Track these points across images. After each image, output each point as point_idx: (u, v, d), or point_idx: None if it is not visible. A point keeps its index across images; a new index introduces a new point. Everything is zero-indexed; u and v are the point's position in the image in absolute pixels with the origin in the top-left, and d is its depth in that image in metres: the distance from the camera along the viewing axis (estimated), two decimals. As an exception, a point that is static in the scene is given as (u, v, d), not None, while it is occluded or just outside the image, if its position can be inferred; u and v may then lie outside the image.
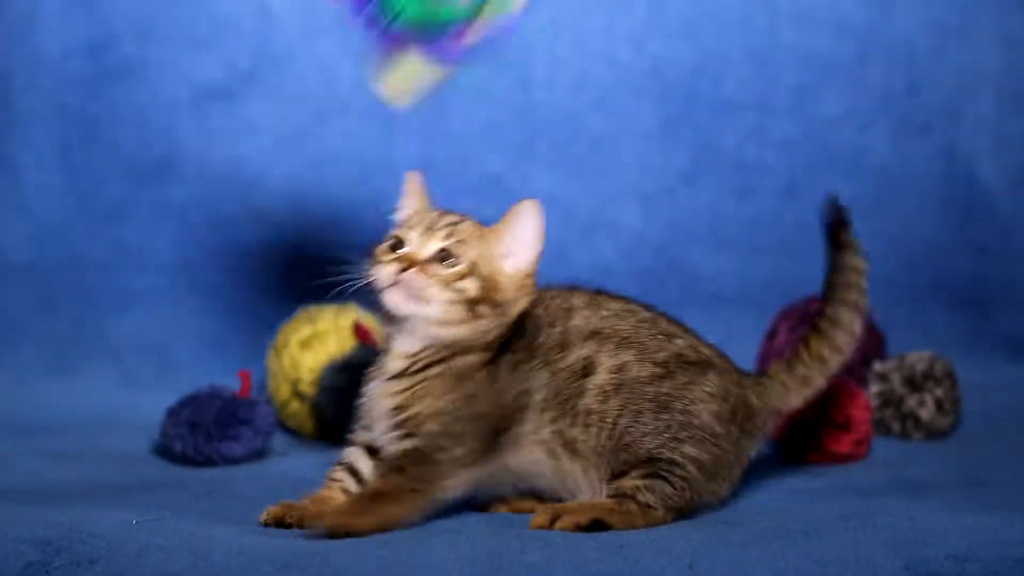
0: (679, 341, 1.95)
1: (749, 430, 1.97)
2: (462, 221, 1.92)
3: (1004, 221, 3.22)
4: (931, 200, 3.22)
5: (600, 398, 1.90)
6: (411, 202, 1.99)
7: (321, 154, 3.08)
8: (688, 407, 1.91)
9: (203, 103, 3.04)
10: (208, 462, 2.35)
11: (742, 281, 3.15)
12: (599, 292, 1.99)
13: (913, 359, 2.63)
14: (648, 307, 2.00)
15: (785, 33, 3.19)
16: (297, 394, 2.60)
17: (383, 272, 1.87)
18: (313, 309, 2.67)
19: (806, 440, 2.35)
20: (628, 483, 1.89)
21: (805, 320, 2.70)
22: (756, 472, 2.11)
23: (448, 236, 1.89)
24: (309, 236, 3.03)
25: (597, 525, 1.84)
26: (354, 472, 1.95)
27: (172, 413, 2.39)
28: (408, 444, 1.87)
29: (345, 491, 1.93)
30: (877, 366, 2.64)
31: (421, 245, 1.89)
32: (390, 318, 1.91)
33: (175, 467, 2.36)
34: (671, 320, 1.99)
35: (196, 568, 1.65)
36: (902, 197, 3.22)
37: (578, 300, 1.97)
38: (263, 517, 1.87)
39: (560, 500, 1.94)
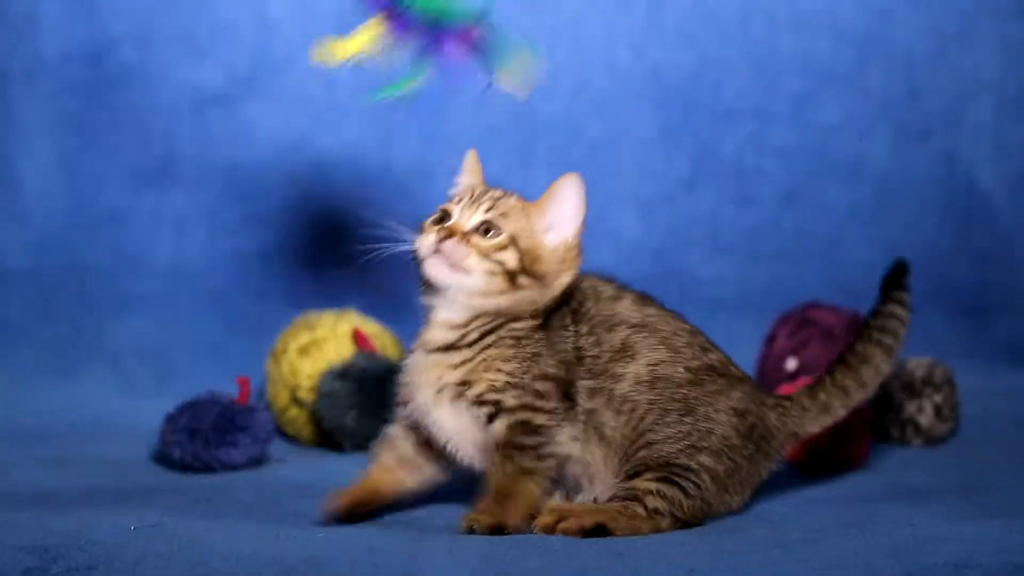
0: (712, 356, 1.98)
1: (765, 450, 1.99)
2: (506, 196, 1.97)
3: (1003, 227, 3.22)
4: (930, 206, 3.22)
5: (635, 389, 1.92)
6: (466, 179, 2.04)
7: (320, 159, 3.07)
8: (711, 416, 1.93)
9: (202, 108, 3.04)
10: (207, 468, 2.35)
11: (741, 286, 3.15)
12: (645, 295, 2.02)
13: (912, 365, 2.63)
14: (688, 323, 2.03)
15: (784, 40, 3.19)
16: (296, 400, 2.60)
17: (425, 242, 1.92)
18: (312, 316, 2.67)
19: (807, 447, 2.35)
20: (641, 484, 1.90)
21: (804, 325, 2.71)
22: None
23: (490, 209, 1.94)
24: (308, 241, 3.03)
25: (600, 530, 1.85)
26: (395, 448, 2.00)
27: (171, 419, 2.38)
28: (500, 426, 1.90)
29: (384, 467, 1.98)
30: (876, 372, 2.63)
31: (464, 217, 1.94)
32: (431, 289, 1.95)
33: (173, 473, 2.36)
34: (708, 339, 2.02)
35: (194, 575, 1.65)
36: (902, 204, 3.22)
37: (628, 294, 2.00)
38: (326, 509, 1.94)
39: (567, 496, 1.96)
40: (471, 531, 1.86)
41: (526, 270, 1.92)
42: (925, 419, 2.58)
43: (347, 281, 2.94)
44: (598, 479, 1.94)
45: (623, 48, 3.16)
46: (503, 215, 1.94)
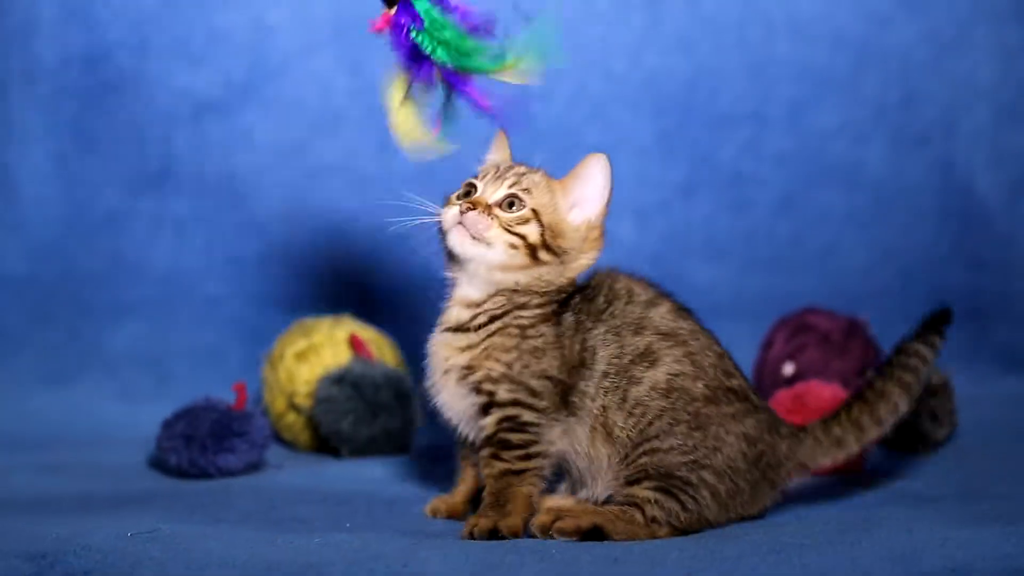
0: (734, 381, 1.98)
1: (771, 479, 1.99)
2: (531, 172, 2.00)
3: (1000, 233, 3.22)
4: (927, 212, 3.22)
5: (651, 394, 1.92)
6: (493, 156, 2.09)
7: (317, 166, 3.07)
8: (721, 436, 1.92)
9: (199, 115, 3.04)
10: (203, 474, 2.35)
11: (738, 292, 3.15)
12: (685, 308, 2.02)
13: (910, 371, 2.62)
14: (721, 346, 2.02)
15: (781, 46, 3.19)
16: (293, 406, 2.60)
17: (449, 214, 1.95)
18: (309, 321, 2.67)
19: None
20: (640, 492, 1.90)
21: (801, 330, 2.71)
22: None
23: (514, 184, 1.97)
24: (305, 248, 3.03)
25: (596, 532, 1.85)
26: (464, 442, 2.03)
27: (167, 425, 2.38)
28: (491, 420, 1.92)
29: (472, 461, 2.02)
30: (873, 378, 2.63)
31: (488, 191, 1.97)
32: (454, 261, 1.97)
33: (170, 479, 2.36)
34: (735, 365, 2.01)
35: (191, 580, 1.65)
36: (898, 209, 3.22)
37: (666, 302, 2.00)
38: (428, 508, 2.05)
39: (573, 489, 1.98)
40: (471, 536, 1.86)
41: (547, 245, 1.94)
42: (922, 424, 2.57)
43: (344, 287, 2.94)
44: (600, 477, 1.94)
45: (620, 55, 3.16)
46: (526, 190, 1.96)
